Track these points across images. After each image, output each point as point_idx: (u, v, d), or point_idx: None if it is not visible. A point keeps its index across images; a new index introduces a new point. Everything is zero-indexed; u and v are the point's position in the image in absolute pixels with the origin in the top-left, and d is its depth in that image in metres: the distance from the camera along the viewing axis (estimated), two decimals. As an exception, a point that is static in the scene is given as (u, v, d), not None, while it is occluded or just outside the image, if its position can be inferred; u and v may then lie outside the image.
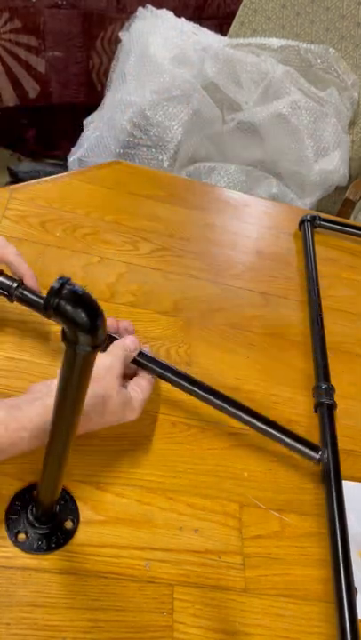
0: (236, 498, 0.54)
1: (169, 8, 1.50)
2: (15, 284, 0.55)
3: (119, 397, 0.49)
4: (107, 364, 0.49)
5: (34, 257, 0.68)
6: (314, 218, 0.89)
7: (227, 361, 0.66)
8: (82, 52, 1.83)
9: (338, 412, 0.62)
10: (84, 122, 1.47)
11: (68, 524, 0.47)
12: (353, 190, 1.39)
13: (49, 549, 0.45)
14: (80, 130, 1.46)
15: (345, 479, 0.56)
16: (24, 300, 0.56)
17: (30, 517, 0.46)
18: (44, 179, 0.81)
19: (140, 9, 1.47)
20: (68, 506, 0.48)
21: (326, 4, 1.43)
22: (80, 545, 0.46)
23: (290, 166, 1.40)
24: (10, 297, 0.56)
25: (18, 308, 0.57)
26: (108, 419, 0.49)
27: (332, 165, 1.37)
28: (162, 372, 0.55)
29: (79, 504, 0.48)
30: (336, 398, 0.62)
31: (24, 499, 0.47)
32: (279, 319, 0.74)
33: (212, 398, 0.55)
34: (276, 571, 0.50)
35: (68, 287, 0.27)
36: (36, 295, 0.56)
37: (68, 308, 0.27)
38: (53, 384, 0.47)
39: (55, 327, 0.60)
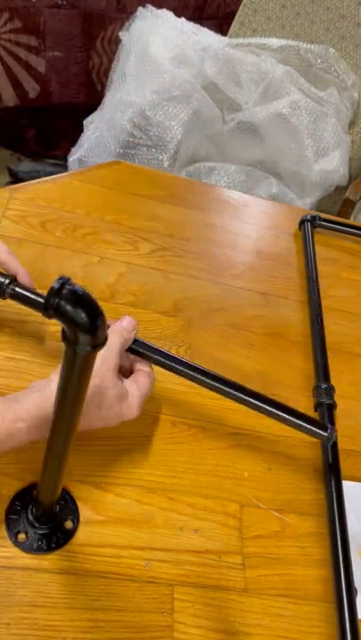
0: (237, 498, 0.54)
1: (169, 8, 1.50)
2: (7, 281, 0.54)
3: (115, 390, 0.48)
4: (101, 354, 0.47)
5: (34, 257, 0.68)
6: (314, 218, 0.89)
7: (227, 361, 0.66)
8: (82, 52, 1.83)
9: (338, 412, 0.62)
10: (84, 122, 1.47)
11: (68, 524, 0.47)
12: (353, 190, 1.39)
13: (49, 549, 0.45)
14: (80, 130, 1.46)
15: (345, 479, 0.56)
16: (17, 297, 0.54)
17: (30, 517, 0.46)
18: (44, 179, 0.81)
19: (140, 9, 1.47)
20: (67, 506, 0.48)
21: (326, 3, 1.43)
22: (80, 545, 0.46)
23: (290, 166, 1.40)
24: (2, 294, 0.54)
25: (17, 308, 0.57)
26: (106, 413, 0.48)
27: (332, 165, 1.37)
28: (160, 358, 0.53)
29: (79, 504, 0.48)
30: (336, 398, 0.62)
31: (24, 499, 0.47)
32: (279, 319, 0.74)
33: (215, 384, 0.53)
34: (277, 571, 0.50)
35: (68, 287, 0.28)
36: (30, 292, 0.54)
37: (68, 308, 0.27)
38: (53, 382, 0.47)
39: (54, 327, 0.60)
